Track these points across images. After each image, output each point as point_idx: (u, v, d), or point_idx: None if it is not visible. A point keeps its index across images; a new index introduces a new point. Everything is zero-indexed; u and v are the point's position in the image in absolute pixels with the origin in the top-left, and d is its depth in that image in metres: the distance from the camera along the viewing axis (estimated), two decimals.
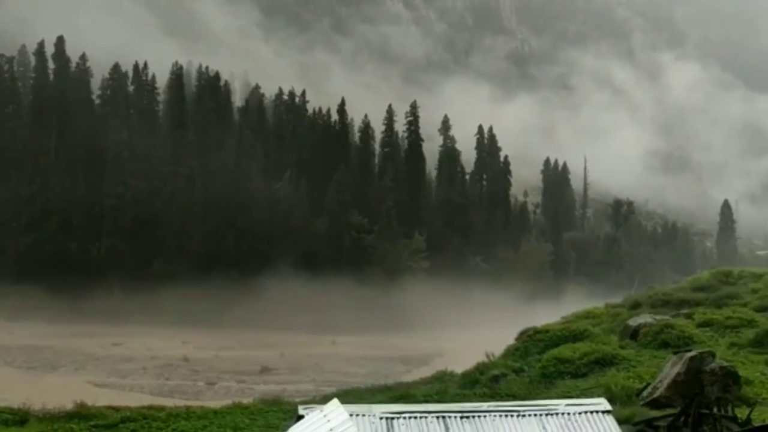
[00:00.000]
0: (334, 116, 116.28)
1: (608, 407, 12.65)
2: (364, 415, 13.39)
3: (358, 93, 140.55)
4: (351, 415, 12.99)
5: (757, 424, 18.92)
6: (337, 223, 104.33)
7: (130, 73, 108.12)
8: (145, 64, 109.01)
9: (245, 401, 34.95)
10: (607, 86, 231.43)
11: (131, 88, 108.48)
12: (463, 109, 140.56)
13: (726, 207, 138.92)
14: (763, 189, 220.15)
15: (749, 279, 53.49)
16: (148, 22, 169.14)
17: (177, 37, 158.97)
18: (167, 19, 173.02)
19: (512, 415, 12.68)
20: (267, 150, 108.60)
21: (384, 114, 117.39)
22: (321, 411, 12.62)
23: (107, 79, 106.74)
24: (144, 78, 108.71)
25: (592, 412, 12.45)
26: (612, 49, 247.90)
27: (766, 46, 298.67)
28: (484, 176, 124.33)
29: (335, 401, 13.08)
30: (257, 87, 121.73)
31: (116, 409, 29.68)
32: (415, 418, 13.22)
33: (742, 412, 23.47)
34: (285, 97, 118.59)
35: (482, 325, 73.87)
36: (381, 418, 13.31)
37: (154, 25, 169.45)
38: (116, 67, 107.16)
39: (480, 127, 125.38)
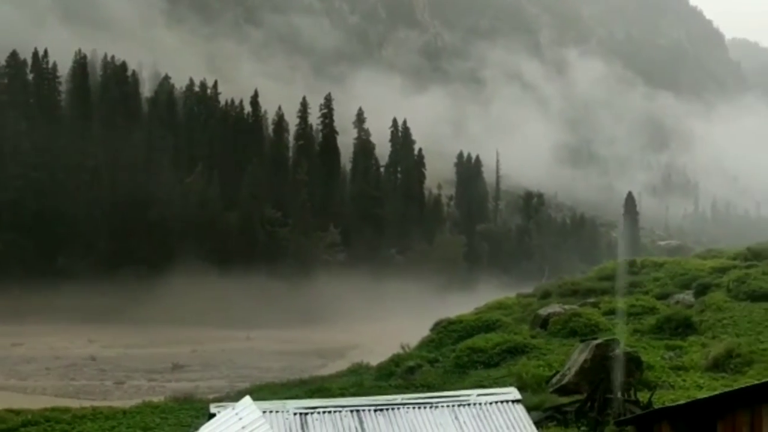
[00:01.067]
0: (247, 108, 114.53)
1: (518, 396, 12.91)
2: (277, 412, 13.21)
3: (268, 84, 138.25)
4: (264, 412, 12.78)
5: (657, 406, 19.69)
6: (250, 216, 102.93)
7: (29, 61, 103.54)
8: (45, 52, 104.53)
9: (156, 400, 34.11)
10: (516, 81, 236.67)
11: (30, 76, 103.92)
12: (376, 102, 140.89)
13: (630, 199, 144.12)
14: (664, 181, 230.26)
15: (651, 268, 55.88)
16: (46, 8, 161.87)
17: (78, 24, 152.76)
18: (67, 5, 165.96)
19: (425, 407, 12.76)
20: (177, 142, 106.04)
21: (295, 106, 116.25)
22: (233, 409, 12.35)
23: (4, 66, 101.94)
24: (44, 66, 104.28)
25: (502, 402, 12.68)
26: (521, 44, 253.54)
27: (665, 45, 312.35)
28: (399, 169, 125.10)
29: (247, 399, 12.84)
30: (167, 77, 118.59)
31: (16, 412, 28.47)
32: (329, 413, 13.13)
33: (644, 396, 24.45)
34: (196, 88, 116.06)
35: (397, 316, 74.37)
36: (295, 414, 13.16)
37: (53, 11, 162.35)
38: (14, 55, 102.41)
39: (394, 120, 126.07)
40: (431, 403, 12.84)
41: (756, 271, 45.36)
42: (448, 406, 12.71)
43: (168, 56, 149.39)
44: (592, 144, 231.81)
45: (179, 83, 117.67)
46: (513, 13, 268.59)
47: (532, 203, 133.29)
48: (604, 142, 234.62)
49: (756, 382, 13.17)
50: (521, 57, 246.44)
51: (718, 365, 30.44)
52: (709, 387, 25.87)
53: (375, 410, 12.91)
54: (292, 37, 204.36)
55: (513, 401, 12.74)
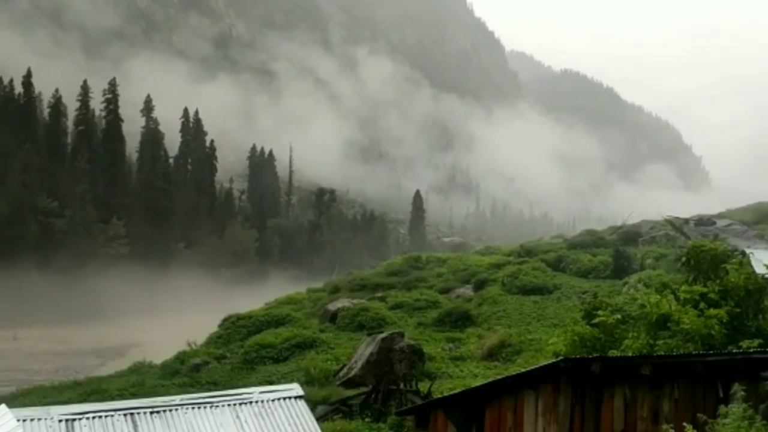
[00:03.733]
0: (18, 87, 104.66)
1: (300, 392, 12.82)
2: (39, 419, 12.04)
3: (33, 61, 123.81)
4: (23, 420, 11.60)
5: (436, 395, 20.53)
6: (21, 206, 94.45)
7: None
8: None
9: None
10: (309, 75, 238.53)
11: None
12: (162, 90, 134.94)
13: (417, 197, 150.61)
14: (449, 181, 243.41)
15: (435, 263, 58.74)
16: None
17: None
18: None
19: (205, 407, 12.27)
20: None
21: (69, 87, 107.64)
22: None
23: None
24: None
25: (285, 398, 12.51)
26: (315, 40, 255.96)
27: (451, 51, 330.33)
28: (189, 161, 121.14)
29: (3, 406, 11.59)
30: None
31: None
32: (100, 417, 12.18)
33: (425, 386, 25.48)
34: None
35: (185, 312, 72.10)
36: (60, 421, 12.06)
37: None
38: None
39: (185, 110, 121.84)
40: (212, 402, 12.36)
41: (527, 267, 49.16)
42: (229, 405, 12.31)
43: None
44: (382, 142, 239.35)
45: None
46: (308, 8, 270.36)
47: (324, 199, 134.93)
48: (394, 141, 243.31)
49: (521, 369, 14.07)
50: (314, 52, 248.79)
51: (492, 355, 32.53)
52: (483, 375, 27.44)
53: (151, 412, 12.18)
54: (60, 11, 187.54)
55: (295, 397, 12.61)
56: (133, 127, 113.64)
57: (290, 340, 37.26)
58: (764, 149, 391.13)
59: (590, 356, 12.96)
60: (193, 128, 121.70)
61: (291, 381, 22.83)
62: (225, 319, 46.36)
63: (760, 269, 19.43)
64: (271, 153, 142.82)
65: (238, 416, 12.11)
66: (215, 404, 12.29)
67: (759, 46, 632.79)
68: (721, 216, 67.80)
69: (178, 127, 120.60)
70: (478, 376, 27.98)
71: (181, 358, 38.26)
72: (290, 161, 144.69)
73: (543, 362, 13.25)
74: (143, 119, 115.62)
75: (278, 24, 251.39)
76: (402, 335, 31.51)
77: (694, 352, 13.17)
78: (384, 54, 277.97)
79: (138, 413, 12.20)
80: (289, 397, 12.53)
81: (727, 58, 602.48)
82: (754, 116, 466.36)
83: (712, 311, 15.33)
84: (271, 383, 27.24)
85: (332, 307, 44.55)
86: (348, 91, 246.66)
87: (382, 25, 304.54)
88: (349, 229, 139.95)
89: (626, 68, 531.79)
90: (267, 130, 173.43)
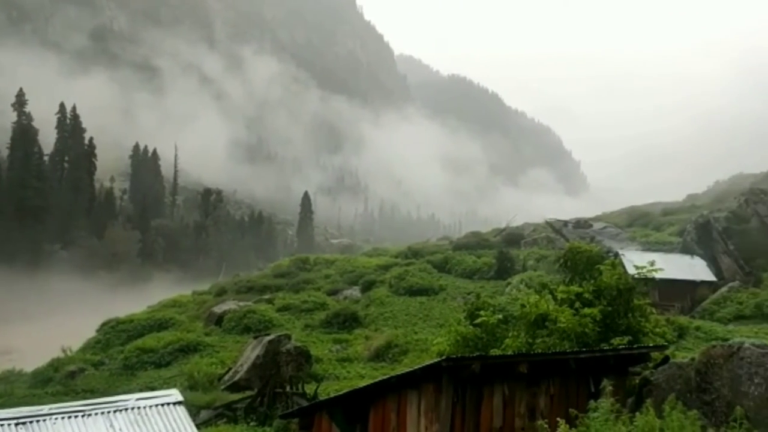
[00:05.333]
0: None
1: (180, 398, 12.38)
2: None
3: None
4: None
5: (322, 397, 20.45)
6: None
7: None
8: None
9: None
10: (194, 73, 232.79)
11: None
12: (36, 84, 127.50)
13: (306, 198, 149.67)
14: (337, 182, 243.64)
15: (323, 265, 58.72)
16: None
17: None
18: None
19: (77, 416, 11.62)
20: None
21: None
22: None
23: None
24: None
25: (163, 405, 12.04)
26: (200, 37, 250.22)
27: (340, 53, 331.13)
28: (66, 158, 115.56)
29: None
30: None
31: None
32: None
33: (311, 388, 25.38)
34: None
35: (60, 317, 68.83)
36: None
37: None
38: None
39: (62, 106, 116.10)
40: (83, 411, 11.72)
41: (414, 268, 49.91)
42: (102, 413, 11.72)
43: None
44: (269, 143, 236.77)
45: None
46: (194, 4, 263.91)
47: (210, 199, 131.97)
48: (281, 142, 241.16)
49: (406, 369, 14.19)
50: (200, 49, 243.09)
51: (379, 355, 32.83)
52: (370, 376, 27.60)
53: (16, 424, 11.43)
54: None
55: (174, 403, 12.16)
56: (2, 122, 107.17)
57: (173, 344, 36.43)
58: (639, 154, 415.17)
59: (471, 355, 13.21)
60: (70, 124, 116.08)
61: (173, 386, 22.17)
62: (104, 324, 44.74)
63: (630, 270, 20.50)
64: (154, 152, 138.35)
65: (111, 425, 11.56)
66: (87, 413, 11.68)
67: (634, 48, 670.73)
68: (597, 219, 71.31)
69: (54, 123, 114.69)
70: (365, 377, 28.12)
71: (54, 365, 36.71)
72: (175, 160, 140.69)
73: (427, 362, 13.41)
74: (14, 114, 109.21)
75: (162, 19, 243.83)
76: (289, 337, 31.30)
77: (569, 350, 13.68)
78: (271, 53, 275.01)
79: (1, 425, 11.45)
80: (168, 403, 12.08)
81: (609, 66, 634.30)
82: (629, 122, 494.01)
83: (587, 310, 16.00)
84: (152, 389, 26.41)
85: (218, 309, 43.80)
86: (234, 90, 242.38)
87: (270, 24, 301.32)
88: (236, 230, 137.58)
89: (510, 74, 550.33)
90: (150, 129, 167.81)
